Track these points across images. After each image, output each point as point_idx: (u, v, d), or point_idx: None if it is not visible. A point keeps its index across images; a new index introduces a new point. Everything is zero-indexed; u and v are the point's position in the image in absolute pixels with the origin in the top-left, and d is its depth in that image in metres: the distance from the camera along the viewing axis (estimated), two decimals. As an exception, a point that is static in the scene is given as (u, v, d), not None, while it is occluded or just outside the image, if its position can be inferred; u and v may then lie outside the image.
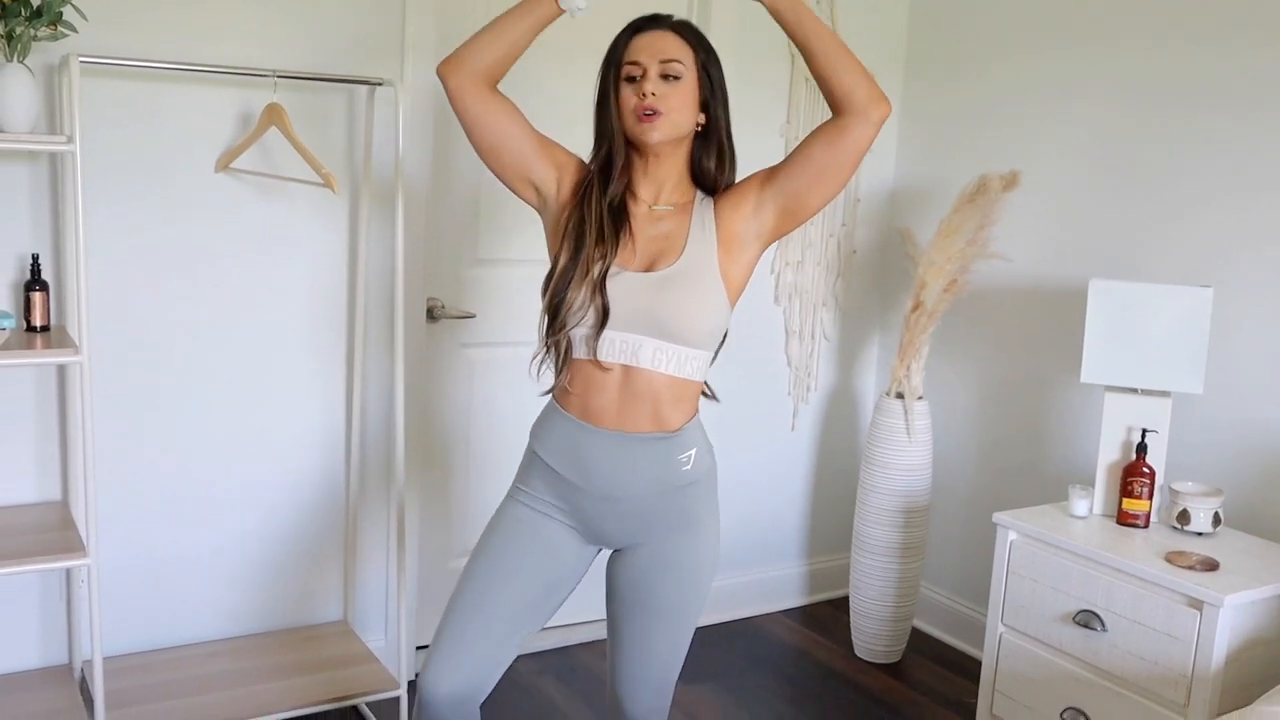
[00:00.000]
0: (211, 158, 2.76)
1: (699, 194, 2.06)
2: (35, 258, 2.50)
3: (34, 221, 2.62)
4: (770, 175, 2.03)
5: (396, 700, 2.85)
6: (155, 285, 2.77)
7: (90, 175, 2.56)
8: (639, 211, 2.03)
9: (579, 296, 1.95)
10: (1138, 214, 3.11)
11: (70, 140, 2.29)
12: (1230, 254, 2.90)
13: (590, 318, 1.95)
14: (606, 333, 1.95)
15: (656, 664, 2.09)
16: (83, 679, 2.76)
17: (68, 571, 2.77)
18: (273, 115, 2.65)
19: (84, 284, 2.33)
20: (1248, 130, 2.86)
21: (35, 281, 2.49)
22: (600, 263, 1.96)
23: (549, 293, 2.00)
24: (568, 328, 1.97)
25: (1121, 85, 3.14)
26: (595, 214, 1.99)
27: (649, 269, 1.98)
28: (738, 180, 2.08)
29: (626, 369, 1.97)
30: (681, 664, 2.13)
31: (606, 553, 2.15)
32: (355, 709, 3.06)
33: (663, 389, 1.98)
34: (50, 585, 2.79)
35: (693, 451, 2.04)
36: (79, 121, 2.30)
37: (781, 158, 3.52)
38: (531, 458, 2.10)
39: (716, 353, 2.11)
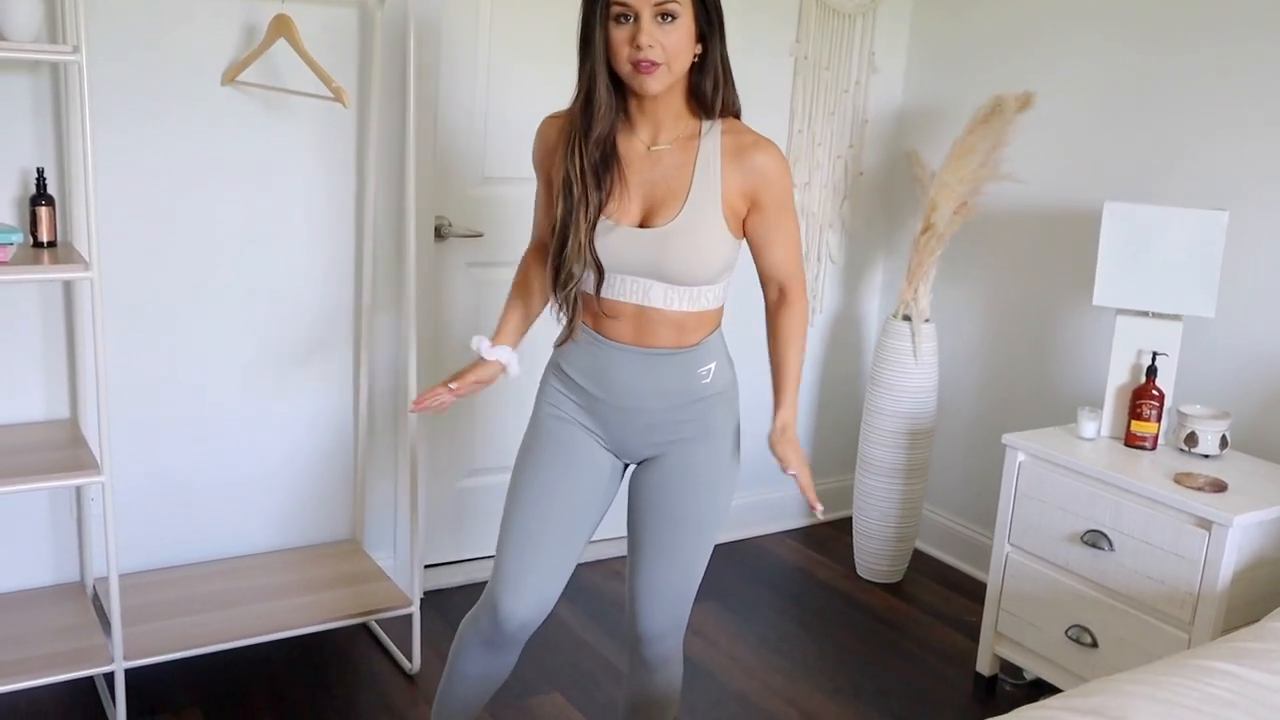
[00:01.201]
0: (218, 71, 2.70)
1: (704, 124, 1.95)
2: (40, 171, 2.45)
3: (36, 135, 2.56)
4: (751, 224, 2.00)
5: (409, 618, 2.86)
6: (160, 202, 2.72)
7: (93, 87, 2.50)
8: (634, 153, 1.95)
9: (575, 255, 1.94)
10: (1153, 137, 3.09)
11: (76, 50, 2.23)
12: (1246, 177, 2.89)
13: (590, 274, 1.96)
14: (613, 278, 1.97)
15: (674, 574, 2.09)
16: (95, 595, 2.77)
17: (78, 489, 2.77)
18: (281, 27, 2.59)
19: (93, 198, 2.28)
20: (1265, 54, 2.82)
21: (41, 196, 2.45)
22: (585, 223, 1.93)
23: (550, 252, 1.99)
24: (572, 283, 1.98)
25: (1138, 6, 3.09)
26: (578, 169, 1.93)
27: (647, 222, 1.94)
28: (768, 160, 1.95)
29: (640, 307, 1.98)
30: (700, 578, 2.13)
31: (633, 469, 2.16)
32: (365, 626, 3.09)
33: (679, 319, 1.99)
34: (60, 503, 2.78)
35: (712, 365, 2.04)
36: (84, 30, 2.24)
37: (791, 78, 3.53)
38: (555, 370, 2.12)
39: None
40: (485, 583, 2.12)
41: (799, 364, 2.09)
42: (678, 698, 2.24)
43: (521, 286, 2.16)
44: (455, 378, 2.08)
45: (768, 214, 1.96)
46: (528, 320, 2.16)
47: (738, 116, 2.01)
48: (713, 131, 1.95)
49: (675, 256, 1.92)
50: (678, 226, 1.91)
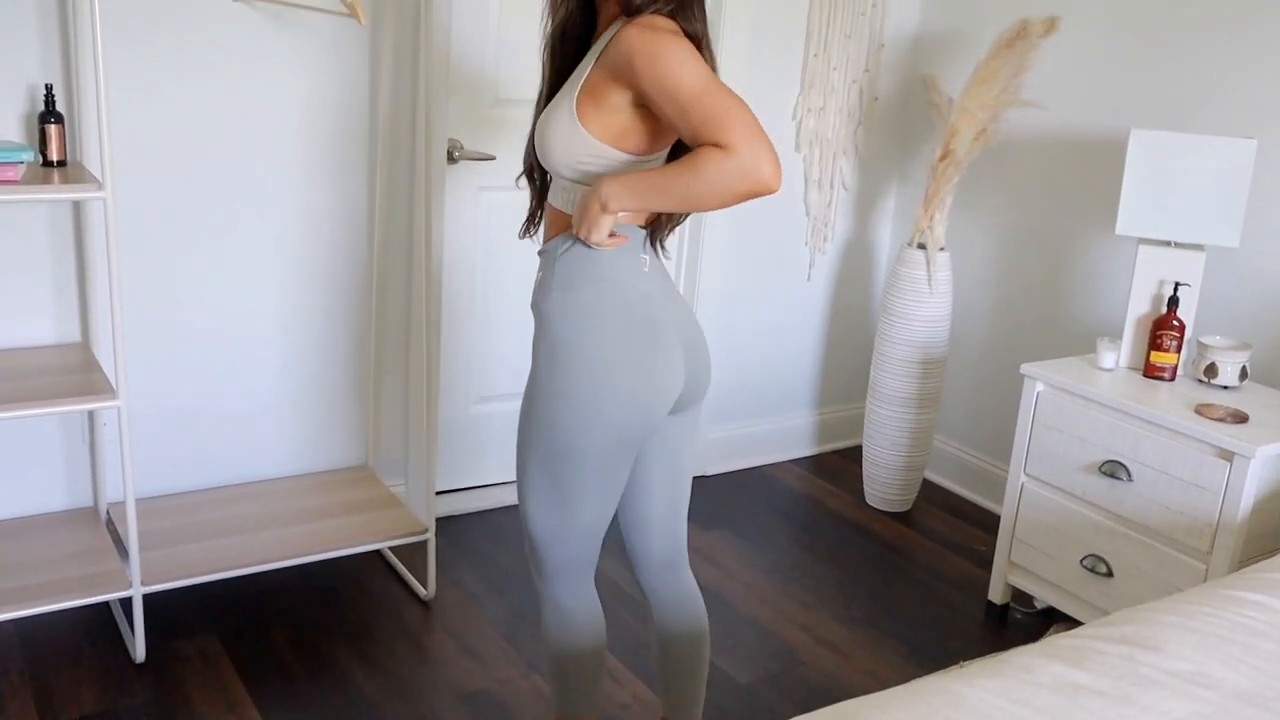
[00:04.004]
0: (226, -15, 2.63)
1: (619, 20, 1.82)
2: (49, 88, 2.38)
3: (43, 50, 2.49)
4: (632, 88, 1.75)
5: (423, 544, 2.86)
6: (168, 122, 2.66)
7: (102, 2, 2.42)
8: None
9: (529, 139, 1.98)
10: (1180, 64, 3.03)
11: (86, -39, 2.16)
12: (1275, 106, 2.84)
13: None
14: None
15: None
16: (109, 520, 2.75)
17: (90, 414, 2.74)
18: (293, -61, 2.51)
19: (105, 116, 2.22)
20: (1301, -25, 2.77)
21: (50, 113, 2.38)
22: (537, 110, 1.93)
23: None
24: (525, 165, 1.99)
25: (1168, -74, 3.03)
26: (542, 56, 1.94)
27: None
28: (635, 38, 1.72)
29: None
30: (531, 514, 1.96)
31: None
32: (379, 553, 3.09)
33: (550, 213, 1.93)
34: (72, 427, 2.75)
35: (540, 274, 1.92)
36: (94, -59, 2.16)
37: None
38: None
39: None
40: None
41: (665, 174, 1.72)
42: (549, 645, 2.08)
43: None
44: None
45: (646, 95, 1.72)
46: None
47: (688, 36, 1.80)
48: (614, 28, 1.81)
49: (536, 135, 1.88)
50: (554, 99, 1.87)
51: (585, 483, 1.90)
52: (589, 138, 1.79)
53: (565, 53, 1.90)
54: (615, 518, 2.08)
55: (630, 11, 1.78)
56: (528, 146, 1.97)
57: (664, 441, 2.01)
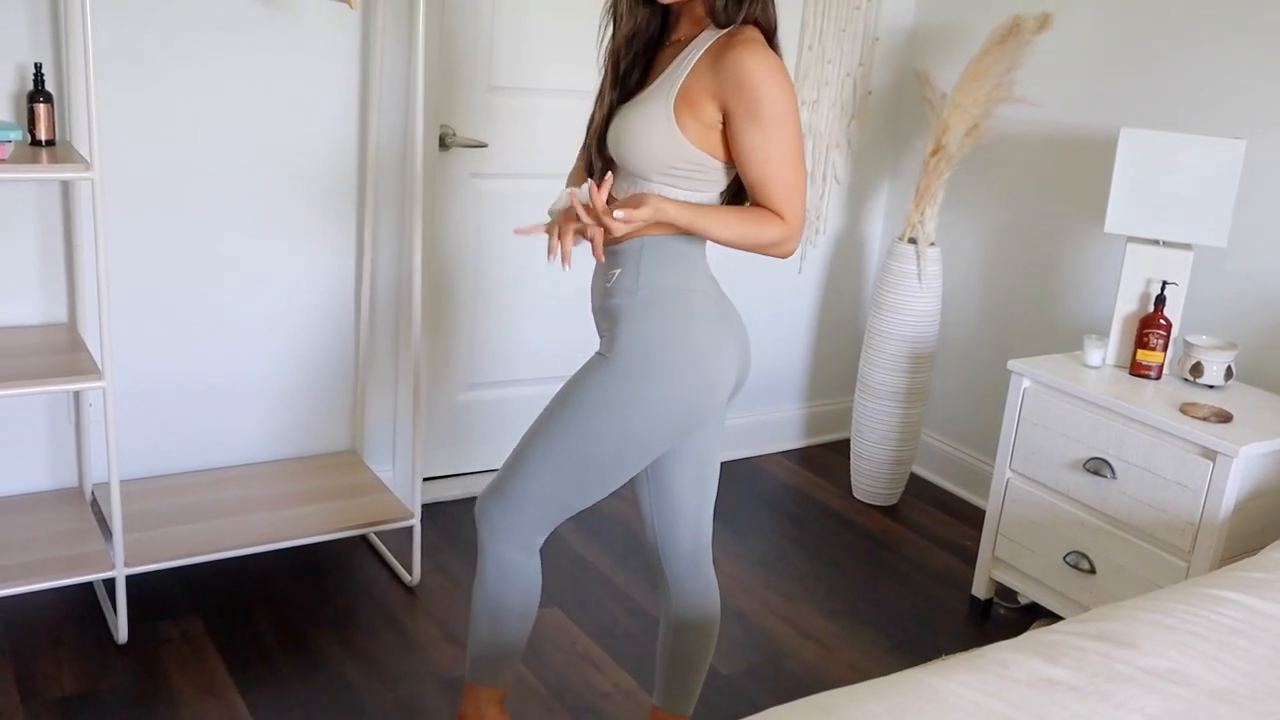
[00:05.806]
0: (218, -33, 2.62)
1: (709, 27, 1.87)
2: (38, 67, 2.37)
3: (32, 29, 2.48)
4: (724, 120, 1.81)
5: (409, 530, 2.86)
6: (158, 105, 2.65)
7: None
8: (664, 53, 1.92)
9: (587, 140, 1.97)
10: (1171, 63, 3.03)
11: (76, -60, 2.15)
12: (1264, 107, 2.85)
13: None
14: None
15: (508, 460, 1.98)
16: (94, 501, 2.75)
17: (76, 394, 2.73)
18: (286, -78, 2.50)
19: (94, 96, 2.22)
20: (1294, -24, 2.77)
21: (39, 92, 2.37)
22: (599, 115, 1.93)
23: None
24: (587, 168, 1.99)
25: (1164, -76, 3.03)
26: (605, 62, 1.93)
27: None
28: (748, 50, 1.78)
29: (613, 198, 1.94)
30: (529, 481, 1.93)
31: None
32: (365, 538, 3.09)
33: None
34: (58, 407, 2.75)
35: (617, 271, 1.91)
36: (85, -80, 2.15)
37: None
38: None
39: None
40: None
41: (726, 214, 1.83)
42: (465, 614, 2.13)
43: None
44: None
45: (736, 123, 1.79)
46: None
47: (765, 32, 1.86)
48: (712, 32, 1.85)
49: (615, 132, 1.88)
50: (629, 105, 1.87)
51: (625, 473, 1.94)
52: (688, 144, 1.82)
53: (632, 58, 1.91)
54: (644, 512, 2.09)
55: (721, 22, 1.82)
56: (589, 145, 1.95)
57: (696, 439, 2.03)
